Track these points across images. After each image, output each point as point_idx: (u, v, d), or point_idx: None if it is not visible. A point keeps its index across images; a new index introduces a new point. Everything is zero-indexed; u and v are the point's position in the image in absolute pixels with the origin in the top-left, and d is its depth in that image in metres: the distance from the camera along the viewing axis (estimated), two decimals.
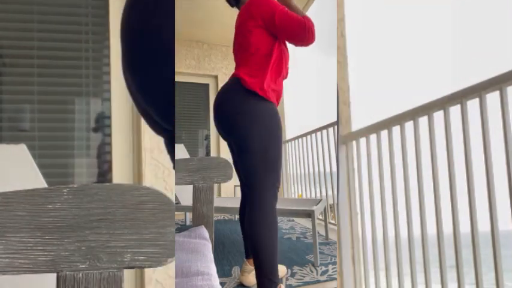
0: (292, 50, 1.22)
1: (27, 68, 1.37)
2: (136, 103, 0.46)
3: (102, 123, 1.45)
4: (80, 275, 0.25)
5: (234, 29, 1.17)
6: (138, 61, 0.40)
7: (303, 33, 1.00)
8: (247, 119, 0.99)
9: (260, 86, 1.01)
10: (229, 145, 1.15)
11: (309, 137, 2.47)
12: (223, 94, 1.07)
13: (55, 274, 0.25)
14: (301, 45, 1.07)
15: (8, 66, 1.38)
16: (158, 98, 0.41)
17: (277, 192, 1.04)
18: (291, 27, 1.01)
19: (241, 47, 1.09)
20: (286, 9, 1.04)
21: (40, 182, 0.80)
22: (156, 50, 0.39)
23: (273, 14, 1.01)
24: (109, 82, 1.42)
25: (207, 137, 3.53)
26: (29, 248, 0.25)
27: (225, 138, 1.12)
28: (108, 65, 1.43)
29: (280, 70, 1.09)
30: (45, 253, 0.25)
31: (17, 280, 0.62)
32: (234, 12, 1.25)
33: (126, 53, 0.41)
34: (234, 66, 1.18)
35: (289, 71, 1.23)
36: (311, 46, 1.07)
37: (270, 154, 1.00)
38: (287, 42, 1.11)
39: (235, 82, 1.04)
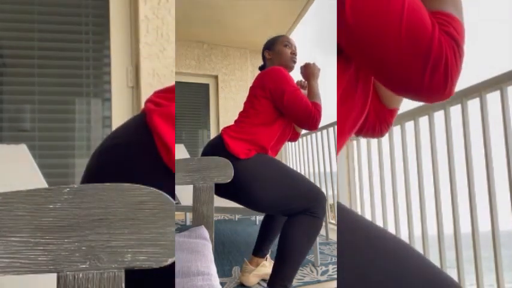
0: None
1: (27, 68, 1.38)
2: None
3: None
4: (81, 275, 0.25)
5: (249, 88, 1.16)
6: None
7: (306, 121, 1.00)
8: (240, 187, 0.95)
9: (244, 149, 0.98)
10: None
11: (309, 137, 2.47)
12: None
13: (55, 274, 0.25)
14: (302, 128, 1.10)
15: (8, 66, 1.38)
16: None
17: (324, 206, 1.00)
18: (295, 112, 1.01)
19: (245, 108, 1.10)
20: (298, 90, 1.02)
21: (40, 182, 0.80)
22: None
23: (282, 92, 1.00)
24: (109, 82, 1.43)
25: (209, 137, 3.54)
26: (29, 248, 0.25)
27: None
28: (109, 65, 1.43)
29: (276, 142, 1.08)
30: (46, 253, 0.25)
31: (18, 280, 0.62)
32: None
33: None
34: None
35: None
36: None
37: (289, 185, 0.97)
38: None
39: (219, 145, 1.00)
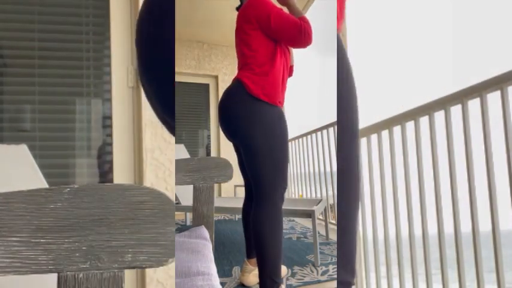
0: (293, 50, 1.22)
1: (28, 68, 1.38)
2: (154, 111, 0.50)
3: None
4: (81, 275, 0.25)
5: (234, 32, 1.17)
6: (152, 70, 0.44)
7: (299, 36, 1.00)
8: (253, 124, 1.00)
9: (264, 91, 1.01)
10: (235, 146, 1.15)
11: (309, 137, 2.47)
12: (227, 99, 1.07)
13: (56, 274, 0.25)
14: (297, 47, 1.08)
15: (9, 66, 1.39)
16: (169, 103, 0.43)
17: (283, 193, 1.04)
18: (286, 30, 1.00)
19: (242, 50, 1.09)
20: (282, 11, 1.03)
21: (41, 182, 0.81)
22: (165, 59, 0.42)
23: (268, 16, 1.00)
24: (110, 82, 1.43)
25: (208, 137, 3.54)
26: (29, 248, 0.25)
27: (230, 140, 1.12)
28: (109, 65, 1.43)
29: (284, 72, 1.08)
30: (46, 253, 0.25)
31: (18, 280, 0.62)
32: (234, 12, 1.25)
33: (141, 61, 0.45)
34: (234, 69, 1.17)
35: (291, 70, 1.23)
36: (311, 46, 1.07)
37: (276, 156, 1.01)
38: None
39: (238, 86, 1.04)
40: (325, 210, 1.89)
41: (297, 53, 1.21)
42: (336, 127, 2.01)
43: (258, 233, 0.99)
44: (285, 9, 1.17)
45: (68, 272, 0.25)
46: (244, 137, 1.02)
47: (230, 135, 1.09)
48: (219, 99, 1.12)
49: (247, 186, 1.19)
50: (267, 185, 1.01)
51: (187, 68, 3.39)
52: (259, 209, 1.01)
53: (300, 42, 1.01)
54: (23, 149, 0.84)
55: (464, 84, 1.02)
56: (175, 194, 2.05)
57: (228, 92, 1.07)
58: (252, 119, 1.00)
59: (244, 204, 1.23)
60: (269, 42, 1.04)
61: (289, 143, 3.01)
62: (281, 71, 1.06)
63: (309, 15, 3.01)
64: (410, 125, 1.31)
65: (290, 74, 1.26)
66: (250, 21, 1.03)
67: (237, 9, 1.23)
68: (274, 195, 1.01)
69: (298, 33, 0.99)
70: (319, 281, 1.27)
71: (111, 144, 1.38)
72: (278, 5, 1.16)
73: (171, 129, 0.53)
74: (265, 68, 1.02)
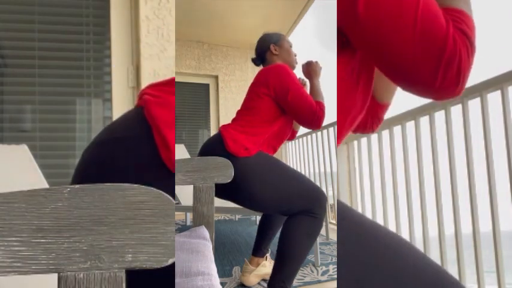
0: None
1: (28, 68, 1.38)
2: None
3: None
4: (81, 275, 0.25)
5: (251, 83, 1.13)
6: None
7: (310, 121, 0.99)
8: (234, 184, 0.89)
9: (245, 146, 0.96)
10: None
11: (309, 136, 2.47)
12: (206, 155, 1.01)
13: (56, 274, 0.25)
14: (304, 127, 1.06)
15: (9, 66, 1.39)
16: None
17: (323, 203, 0.98)
18: (300, 111, 0.99)
19: (245, 104, 1.08)
20: (302, 89, 1.01)
21: (41, 183, 0.81)
22: None
23: (287, 90, 0.99)
24: (110, 82, 1.43)
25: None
26: (30, 248, 0.25)
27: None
28: (109, 65, 1.43)
29: (276, 142, 1.07)
30: (47, 253, 0.25)
31: (19, 280, 0.62)
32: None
33: None
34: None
35: None
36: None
37: (283, 188, 0.96)
38: None
39: (217, 142, 0.98)
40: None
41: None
42: (335, 127, 2.02)
43: (294, 239, 0.95)
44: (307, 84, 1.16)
45: (69, 272, 0.25)
46: (234, 197, 0.98)
47: (218, 195, 0.99)
48: (199, 149, 1.05)
49: None
50: (301, 208, 0.96)
51: (187, 68, 3.39)
52: (299, 217, 0.96)
53: (309, 125, 1.02)
54: (23, 149, 0.84)
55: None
56: (176, 194, 2.05)
57: (208, 148, 1.02)
58: (234, 180, 0.89)
59: None
60: (276, 109, 1.02)
61: (289, 143, 3.01)
62: (277, 135, 1.05)
63: (309, 15, 3.01)
64: (410, 125, 1.31)
65: (292, 137, 1.26)
66: (267, 87, 1.01)
67: (253, 61, 1.22)
68: (314, 209, 0.96)
69: (311, 118, 0.99)
70: (319, 281, 1.27)
71: None
72: (301, 76, 1.15)
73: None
74: (258, 129, 1.00)
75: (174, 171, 0.46)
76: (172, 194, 0.45)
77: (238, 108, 1.13)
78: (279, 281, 0.95)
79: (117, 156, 0.46)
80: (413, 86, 0.36)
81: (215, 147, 0.99)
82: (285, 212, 1.00)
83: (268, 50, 1.16)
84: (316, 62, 1.14)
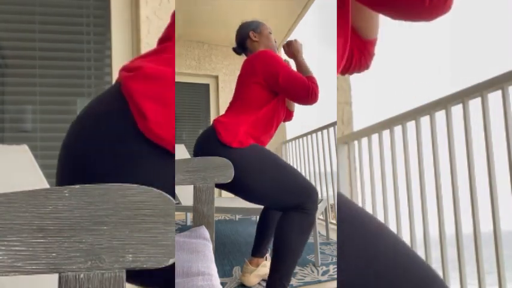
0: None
1: (29, 69, 1.38)
2: None
3: None
4: (82, 275, 0.25)
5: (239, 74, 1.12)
6: None
7: (306, 97, 0.99)
8: (239, 178, 0.88)
9: (237, 138, 0.96)
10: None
11: (309, 136, 2.47)
12: (199, 148, 1.03)
13: (57, 274, 0.26)
14: (302, 105, 1.06)
15: (10, 67, 1.39)
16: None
17: (315, 200, 0.98)
18: (294, 90, 0.99)
19: (236, 97, 1.08)
20: (291, 68, 1.01)
21: (42, 183, 0.81)
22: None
23: (277, 74, 0.99)
24: (111, 82, 1.43)
25: None
26: (30, 248, 0.25)
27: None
28: (110, 65, 1.43)
29: (269, 126, 1.06)
30: (47, 254, 0.25)
31: (19, 281, 0.62)
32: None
33: None
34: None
35: None
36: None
37: (278, 180, 0.96)
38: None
39: (210, 133, 0.99)
40: (325, 210, 1.89)
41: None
42: (335, 127, 2.02)
43: (286, 237, 0.95)
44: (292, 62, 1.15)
45: (69, 272, 0.25)
46: (231, 187, 0.97)
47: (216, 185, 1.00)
48: (195, 142, 1.06)
49: None
50: (292, 202, 0.96)
51: (187, 68, 3.40)
52: (290, 214, 0.97)
53: (307, 101, 1.01)
54: (24, 150, 0.85)
55: (464, 84, 1.02)
56: (176, 194, 2.05)
57: (201, 140, 1.03)
58: (236, 173, 0.91)
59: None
60: (268, 95, 1.02)
61: (289, 143, 3.01)
62: (270, 118, 1.04)
63: (309, 15, 3.01)
64: (411, 125, 1.31)
65: (288, 117, 1.26)
66: (256, 75, 1.01)
67: (234, 50, 1.21)
68: (305, 205, 0.96)
69: (306, 94, 0.98)
70: (319, 281, 1.27)
71: None
72: (285, 56, 1.13)
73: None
74: (250, 117, 1.00)
75: (157, 141, 0.45)
76: (172, 192, 0.45)
77: None
78: (276, 280, 0.96)
79: (95, 131, 0.46)
80: (406, 10, 0.42)
81: (208, 138, 0.99)
82: (276, 205, 1.00)
83: (247, 38, 1.15)
84: (296, 40, 1.12)
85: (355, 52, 0.61)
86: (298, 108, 1.26)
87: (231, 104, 1.09)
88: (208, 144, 0.98)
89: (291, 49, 1.11)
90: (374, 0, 0.42)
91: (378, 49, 0.63)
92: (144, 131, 0.45)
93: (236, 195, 1.02)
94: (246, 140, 0.98)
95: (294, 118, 1.34)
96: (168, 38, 0.58)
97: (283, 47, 1.14)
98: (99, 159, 0.45)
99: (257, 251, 1.26)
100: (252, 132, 1.01)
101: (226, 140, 0.95)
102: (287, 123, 1.39)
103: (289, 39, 1.15)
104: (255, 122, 1.01)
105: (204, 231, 0.57)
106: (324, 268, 1.40)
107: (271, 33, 1.16)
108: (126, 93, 0.47)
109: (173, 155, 0.47)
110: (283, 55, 1.17)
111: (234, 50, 1.22)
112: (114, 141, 0.45)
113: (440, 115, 1.18)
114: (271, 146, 2.66)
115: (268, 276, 0.98)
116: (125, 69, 0.52)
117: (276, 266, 0.97)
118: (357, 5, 0.53)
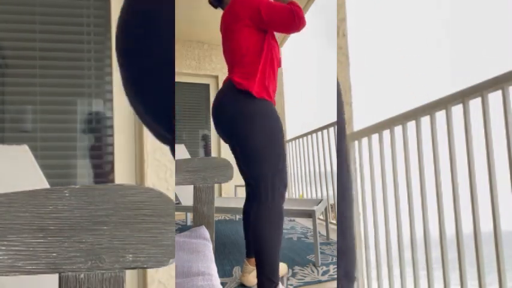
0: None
1: (29, 69, 1.38)
2: (142, 120, 0.47)
3: (104, 124, 1.45)
4: (82, 275, 0.25)
5: (221, 33, 1.16)
6: (140, 81, 0.40)
7: (292, 21, 0.99)
8: (246, 121, 1.00)
9: (254, 87, 1.00)
10: (232, 148, 1.15)
11: (309, 136, 2.47)
12: (219, 99, 1.08)
13: (57, 275, 0.26)
14: (292, 32, 1.07)
15: (10, 67, 1.39)
16: (161, 114, 0.41)
17: (284, 191, 1.03)
18: (279, 19, 1.00)
19: (232, 50, 1.09)
20: (270, 1, 1.03)
21: (42, 183, 0.81)
22: (156, 68, 0.38)
23: (258, 10, 1.00)
24: (111, 83, 1.43)
25: (204, 137, 3.54)
26: (31, 248, 0.25)
27: (226, 142, 1.12)
28: (110, 65, 1.43)
29: (272, 64, 1.08)
30: (47, 254, 0.25)
31: (19, 281, 0.62)
32: None
33: (125, 74, 0.41)
34: (227, 69, 1.18)
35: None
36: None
37: (273, 152, 1.01)
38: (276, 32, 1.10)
39: (229, 86, 1.04)
40: (325, 210, 1.88)
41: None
42: (335, 127, 2.01)
43: (257, 232, 0.99)
44: None
45: (69, 272, 0.25)
46: (240, 136, 1.02)
47: (225, 135, 1.09)
48: (212, 101, 1.12)
49: (248, 186, 1.20)
50: (266, 184, 1.00)
51: (187, 68, 3.39)
52: (259, 209, 1.01)
53: (295, 26, 1.01)
54: (24, 150, 0.85)
55: (465, 84, 1.01)
56: (176, 194, 2.05)
57: (220, 92, 1.08)
58: (244, 114, 1.00)
59: (245, 205, 1.23)
60: (258, 38, 1.04)
61: (290, 143, 3.01)
62: (269, 65, 1.06)
63: (309, 15, 3.00)
64: (411, 125, 1.31)
65: (279, 65, 1.27)
66: (240, 18, 1.03)
67: (210, 3, 1.23)
68: (275, 194, 1.01)
69: (292, 19, 0.99)
70: (319, 281, 1.27)
71: (112, 144, 1.38)
72: None
73: (160, 136, 0.46)
74: (254, 65, 1.03)
75: None
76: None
77: None
78: (264, 277, 0.97)
79: None
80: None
81: (228, 89, 1.04)
82: (254, 182, 1.03)
83: None
84: None
85: None
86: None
87: (230, 59, 1.11)
88: (229, 95, 1.03)
89: None
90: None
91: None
92: None
93: (234, 140, 1.05)
94: (262, 90, 1.02)
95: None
96: None
97: None
98: None
99: (249, 252, 1.26)
100: (264, 81, 1.03)
101: (245, 87, 0.99)
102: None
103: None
104: (263, 68, 1.03)
105: (204, 231, 0.57)
106: (324, 268, 1.40)
107: None
108: None
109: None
110: None
111: (210, 2, 1.24)
112: None
113: (440, 115, 1.18)
114: None
115: (257, 277, 1.00)
116: None
117: (258, 262, 0.99)
118: None
